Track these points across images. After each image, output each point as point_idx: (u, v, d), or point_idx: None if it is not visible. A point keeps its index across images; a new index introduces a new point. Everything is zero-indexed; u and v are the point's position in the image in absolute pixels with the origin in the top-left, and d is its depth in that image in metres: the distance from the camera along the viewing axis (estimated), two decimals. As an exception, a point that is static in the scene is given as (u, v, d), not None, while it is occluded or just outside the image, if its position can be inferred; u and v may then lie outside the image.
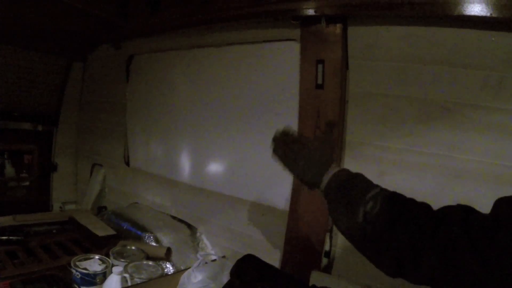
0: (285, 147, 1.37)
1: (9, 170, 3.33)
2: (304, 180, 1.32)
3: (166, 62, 2.83)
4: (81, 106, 3.69)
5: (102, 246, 2.28)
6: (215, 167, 2.54)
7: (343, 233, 1.17)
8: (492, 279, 0.81)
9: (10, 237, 2.26)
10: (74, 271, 1.86)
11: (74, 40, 3.27)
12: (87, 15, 2.61)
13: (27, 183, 3.44)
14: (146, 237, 2.39)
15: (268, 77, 2.19)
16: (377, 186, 1.16)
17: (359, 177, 1.21)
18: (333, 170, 1.27)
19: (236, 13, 2.07)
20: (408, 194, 1.64)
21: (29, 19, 2.68)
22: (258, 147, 2.19)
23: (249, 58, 2.28)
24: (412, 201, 1.10)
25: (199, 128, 2.59)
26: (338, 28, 1.78)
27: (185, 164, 2.73)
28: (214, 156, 2.53)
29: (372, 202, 1.08)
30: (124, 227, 2.54)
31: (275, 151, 1.39)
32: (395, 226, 1.01)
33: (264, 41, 2.17)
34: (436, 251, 0.90)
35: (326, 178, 1.26)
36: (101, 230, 2.50)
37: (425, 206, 1.06)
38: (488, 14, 1.36)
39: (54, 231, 2.59)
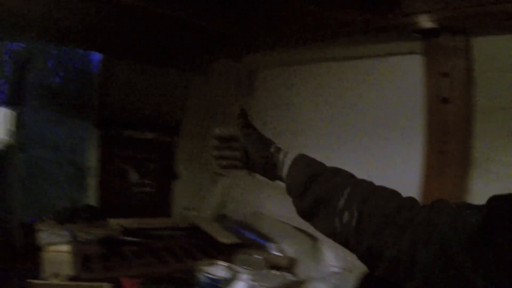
0: (225, 152, 1.35)
1: (134, 176, 3.52)
2: (265, 174, 1.32)
3: (287, 76, 2.83)
4: (203, 117, 3.83)
5: (226, 253, 2.30)
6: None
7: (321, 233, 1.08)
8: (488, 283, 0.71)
9: (135, 239, 2.38)
10: (200, 275, 1.88)
11: (195, 54, 3.38)
12: (207, 31, 2.72)
13: (150, 189, 3.62)
14: (270, 246, 2.39)
15: (390, 92, 2.16)
16: (347, 184, 1.05)
17: (324, 175, 1.14)
18: (283, 156, 1.25)
19: (356, 28, 2.08)
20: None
21: (153, 37, 2.85)
22: (381, 162, 2.17)
23: (370, 73, 2.24)
24: (397, 194, 1.04)
25: (321, 142, 2.57)
26: (461, 39, 1.72)
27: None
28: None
29: (348, 212, 0.97)
30: (246, 236, 2.56)
31: (221, 165, 1.38)
32: (381, 229, 0.91)
33: (385, 55, 2.15)
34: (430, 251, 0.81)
35: (282, 168, 1.22)
36: (225, 237, 2.54)
37: (411, 200, 1.00)
38: None
39: (176, 235, 2.69)
